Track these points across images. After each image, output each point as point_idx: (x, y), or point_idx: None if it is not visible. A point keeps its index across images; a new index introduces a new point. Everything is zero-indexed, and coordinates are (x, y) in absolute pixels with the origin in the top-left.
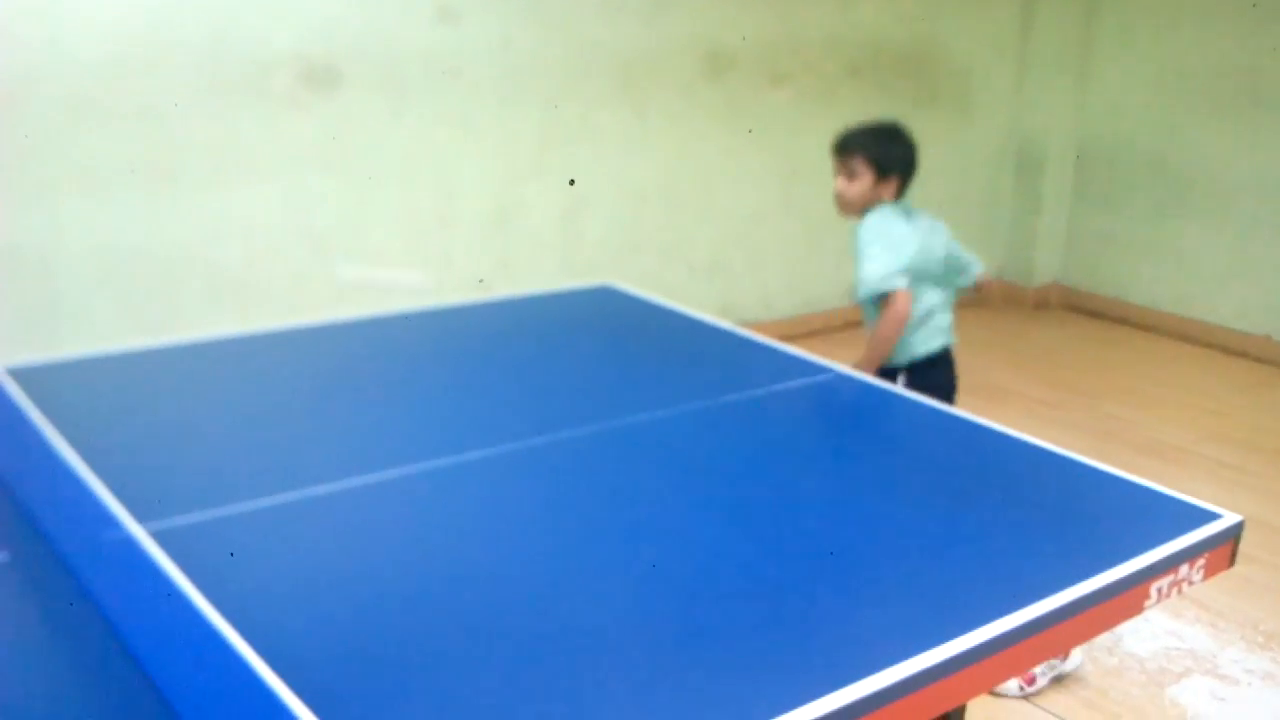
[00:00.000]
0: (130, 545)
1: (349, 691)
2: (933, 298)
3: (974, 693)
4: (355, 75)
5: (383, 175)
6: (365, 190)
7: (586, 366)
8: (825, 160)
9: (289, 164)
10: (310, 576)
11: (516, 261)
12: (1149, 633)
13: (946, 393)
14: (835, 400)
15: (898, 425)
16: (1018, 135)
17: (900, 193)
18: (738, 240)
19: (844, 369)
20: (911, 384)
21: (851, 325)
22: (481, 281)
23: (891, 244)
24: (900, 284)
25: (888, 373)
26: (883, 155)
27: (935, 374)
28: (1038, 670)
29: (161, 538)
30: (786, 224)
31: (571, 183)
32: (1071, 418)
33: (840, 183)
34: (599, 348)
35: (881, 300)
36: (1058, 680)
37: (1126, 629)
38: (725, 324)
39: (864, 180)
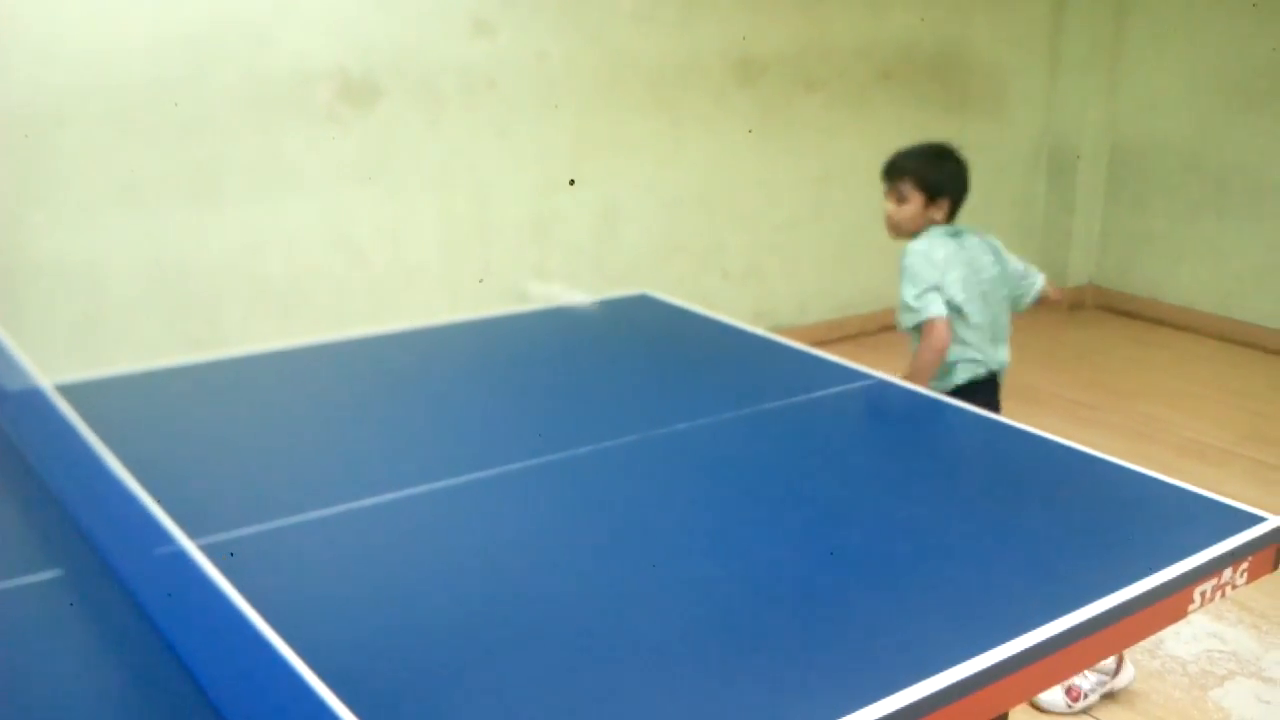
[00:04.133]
0: (181, 560)
1: (400, 703)
2: (980, 321)
3: (1019, 700)
4: (393, 89)
5: (421, 187)
6: (404, 202)
7: (625, 376)
8: (858, 165)
9: (329, 177)
10: (359, 588)
11: (553, 270)
12: (1191, 635)
13: None
14: (875, 407)
15: (937, 431)
16: (1050, 136)
17: (952, 214)
18: (772, 246)
19: (886, 376)
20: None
21: (886, 329)
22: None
23: (932, 270)
24: (938, 312)
25: None
26: (932, 177)
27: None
28: (1086, 687)
29: (212, 552)
30: (820, 229)
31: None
32: (1109, 419)
33: (890, 206)
34: (637, 357)
35: (920, 328)
36: (1109, 696)
37: (1168, 631)
38: (762, 331)
39: (914, 203)
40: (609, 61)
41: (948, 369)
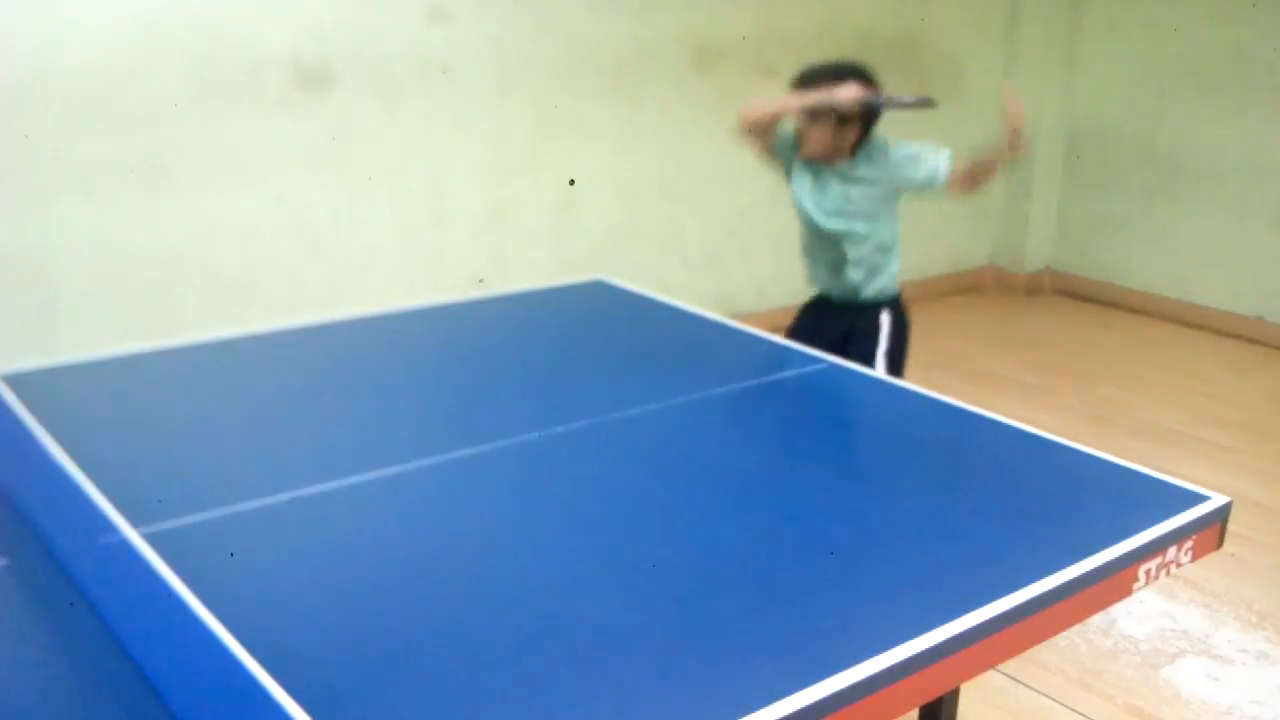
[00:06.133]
0: (126, 549)
1: (346, 691)
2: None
3: (965, 677)
4: (348, 75)
5: (377, 174)
6: (360, 189)
7: (580, 362)
8: None
9: (284, 165)
10: (306, 576)
11: (511, 257)
12: (1143, 614)
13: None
14: (827, 391)
15: (890, 414)
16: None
17: (864, 136)
18: (731, 232)
19: (841, 361)
20: (895, 321)
21: None
22: (481, 281)
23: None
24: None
25: (864, 309)
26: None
27: (905, 312)
28: None
29: (156, 541)
30: (778, 215)
31: (571, 183)
32: (1065, 402)
33: (802, 124)
34: (592, 343)
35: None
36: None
37: (1120, 610)
38: (717, 316)
39: (827, 126)
40: (566, 47)
41: (892, 279)
